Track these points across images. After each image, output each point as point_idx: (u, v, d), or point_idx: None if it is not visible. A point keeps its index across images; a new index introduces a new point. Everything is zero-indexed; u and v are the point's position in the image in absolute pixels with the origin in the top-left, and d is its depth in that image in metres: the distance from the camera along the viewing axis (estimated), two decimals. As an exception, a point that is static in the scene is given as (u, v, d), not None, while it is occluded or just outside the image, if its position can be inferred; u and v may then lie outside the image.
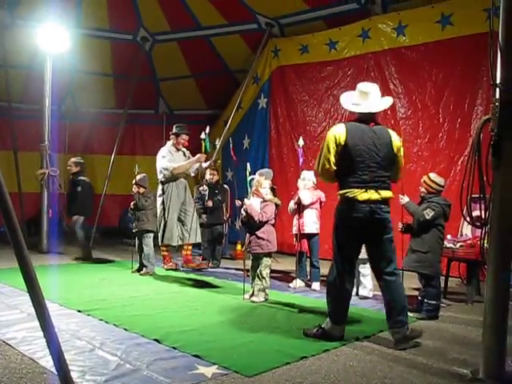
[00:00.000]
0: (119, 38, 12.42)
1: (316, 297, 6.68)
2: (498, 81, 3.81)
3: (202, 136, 8.32)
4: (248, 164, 6.65)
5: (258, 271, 6.31)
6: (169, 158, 8.38)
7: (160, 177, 8.41)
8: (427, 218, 5.74)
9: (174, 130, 8.65)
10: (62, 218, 11.49)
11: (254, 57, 11.56)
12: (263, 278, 6.31)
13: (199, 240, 8.64)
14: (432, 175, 6.10)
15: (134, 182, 8.34)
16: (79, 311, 5.56)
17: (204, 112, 13.90)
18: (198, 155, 8.36)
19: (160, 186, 8.43)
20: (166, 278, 7.79)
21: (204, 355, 4.16)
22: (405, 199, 6.08)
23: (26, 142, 12.06)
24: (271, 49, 11.26)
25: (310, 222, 7.20)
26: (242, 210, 6.37)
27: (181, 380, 3.63)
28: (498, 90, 3.79)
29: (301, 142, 7.48)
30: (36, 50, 10.24)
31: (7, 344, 4.39)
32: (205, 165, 8.64)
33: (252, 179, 6.56)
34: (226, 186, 10.72)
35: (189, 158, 8.60)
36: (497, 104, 3.77)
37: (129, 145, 13.93)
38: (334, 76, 10.12)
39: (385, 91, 9.19)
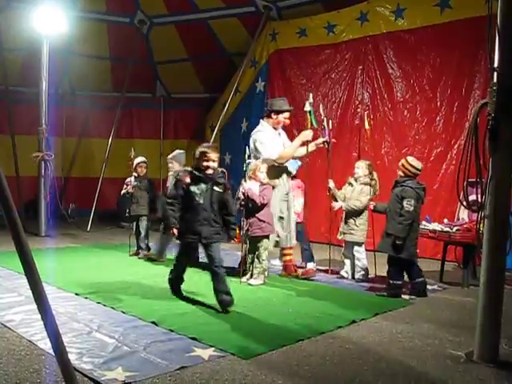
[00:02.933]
0: (116, 21, 12.35)
1: (313, 280, 6.72)
2: (495, 65, 3.81)
3: (307, 108, 6.66)
4: (247, 147, 6.64)
5: (256, 254, 6.34)
6: (269, 143, 6.56)
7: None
8: (411, 209, 5.67)
9: (273, 106, 6.76)
10: (60, 203, 11.51)
11: (251, 40, 11.49)
12: (263, 260, 6.35)
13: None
14: (410, 159, 6.03)
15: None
16: (77, 294, 5.59)
17: (202, 95, 13.88)
18: (304, 133, 6.59)
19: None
20: (163, 262, 7.81)
21: (201, 338, 4.18)
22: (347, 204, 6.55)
23: (23, 125, 12.04)
24: (269, 32, 11.20)
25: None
26: (240, 193, 6.36)
27: (178, 362, 3.66)
28: (495, 73, 3.79)
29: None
30: (33, 33, 10.16)
31: (5, 326, 4.42)
32: (313, 144, 6.73)
33: (248, 163, 6.55)
34: (223, 169, 10.73)
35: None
36: (494, 88, 3.76)
37: (126, 128, 13.92)
38: (332, 59, 10.08)
39: (382, 75, 9.21)
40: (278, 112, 6.60)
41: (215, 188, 5.20)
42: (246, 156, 6.51)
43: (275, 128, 6.70)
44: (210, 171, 5.19)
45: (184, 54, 13.02)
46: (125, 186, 8.33)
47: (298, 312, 5.13)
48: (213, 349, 3.97)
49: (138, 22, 12.43)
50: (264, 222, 6.34)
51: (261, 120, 6.89)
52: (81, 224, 11.52)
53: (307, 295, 5.85)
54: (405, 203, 5.67)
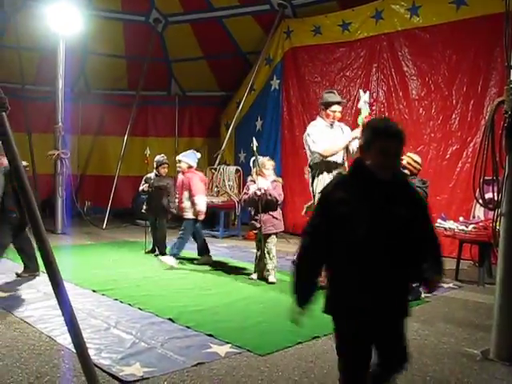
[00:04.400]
0: (132, 20, 12.40)
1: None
2: (512, 62, 3.80)
3: (362, 103, 6.19)
4: (254, 139, 6.63)
5: (268, 250, 6.37)
6: (318, 137, 6.20)
7: (310, 162, 6.40)
8: None
9: (322, 99, 6.44)
10: (76, 200, 11.61)
11: (266, 38, 11.49)
12: (273, 256, 6.39)
13: None
14: (414, 156, 5.82)
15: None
16: (94, 291, 5.65)
17: (216, 93, 13.89)
18: (354, 131, 6.18)
19: (310, 174, 6.44)
20: (178, 259, 7.84)
21: (217, 334, 4.23)
22: None
23: (39, 123, 12.14)
24: (284, 30, 11.19)
25: None
26: (256, 190, 6.33)
27: (195, 358, 3.70)
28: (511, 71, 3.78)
29: None
30: (48, 32, 10.24)
31: (25, 322, 4.49)
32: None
33: (254, 160, 6.58)
34: (238, 167, 10.79)
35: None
36: (511, 86, 3.76)
37: (141, 126, 13.95)
38: (347, 57, 10.06)
39: (397, 73, 9.18)
40: (326, 105, 6.31)
41: None
42: (255, 147, 6.51)
43: (330, 122, 6.33)
44: None
45: (199, 52, 13.04)
46: (143, 183, 8.32)
47: (312, 309, 5.13)
48: (229, 345, 4.01)
49: (153, 21, 12.47)
50: (277, 218, 6.42)
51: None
52: (96, 222, 11.60)
53: (322, 292, 5.85)
54: None
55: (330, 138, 6.20)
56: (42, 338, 4.10)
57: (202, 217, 7.28)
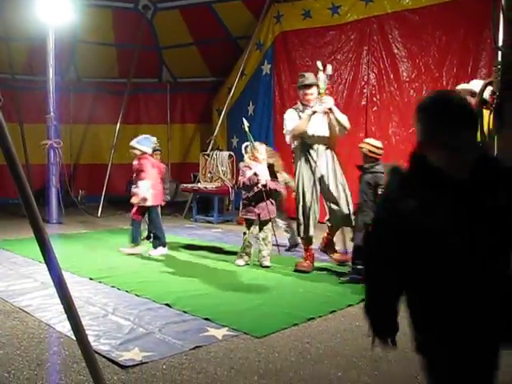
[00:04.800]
0: (120, 7, 12.33)
1: (320, 259, 6.79)
2: (499, 43, 3.85)
3: (322, 76, 5.99)
4: (244, 119, 6.65)
5: (264, 236, 6.43)
6: (287, 120, 6.21)
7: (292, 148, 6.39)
8: None
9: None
10: (69, 190, 11.63)
11: (256, 23, 11.46)
12: (269, 242, 6.45)
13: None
14: (373, 141, 5.62)
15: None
16: (91, 279, 5.69)
17: (208, 79, 13.87)
18: (317, 105, 6.02)
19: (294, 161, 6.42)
20: (174, 245, 7.89)
21: (214, 318, 4.29)
22: None
23: (30, 113, 12.12)
24: (274, 14, 11.17)
25: None
26: (261, 183, 6.27)
27: (193, 342, 3.77)
28: (499, 52, 3.83)
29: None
30: (37, 22, 10.19)
31: (24, 311, 4.54)
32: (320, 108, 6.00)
33: (247, 146, 6.62)
34: (231, 152, 10.82)
35: None
36: (499, 67, 3.81)
37: (133, 114, 13.95)
38: (337, 41, 10.06)
39: (388, 55, 9.20)
40: (298, 88, 6.27)
41: None
42: (246, 127, 6.52)
43: (305, 104, 6.15)
44: None
45: (189, 38, 12.99)
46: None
47: (308, 292, 5.22)
48: (226, 328, 4.07)
49: (142, 8, 12.41)
50: (272, 204, 6.47)
51: None
52: (91, 210, 11.62)
53: (317, 275, 5.93)
54: (380, 191, 5.20)
55: (316, 121, 6.05)
56: (40, 326, 4.16)
57: (134, 200, 7.10)
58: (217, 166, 10.70)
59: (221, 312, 4.49)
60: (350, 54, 9.85)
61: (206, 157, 11.01)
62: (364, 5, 9.58)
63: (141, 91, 13.83)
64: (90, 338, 3.66)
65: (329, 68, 6.03)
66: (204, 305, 4.71)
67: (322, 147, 6.07)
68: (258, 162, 6.41)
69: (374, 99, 9.40)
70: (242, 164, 6.71)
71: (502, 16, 3.82)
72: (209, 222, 10.39)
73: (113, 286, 5.38)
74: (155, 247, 7.14)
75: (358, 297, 4.94)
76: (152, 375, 3.25)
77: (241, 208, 6.73)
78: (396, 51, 9.14)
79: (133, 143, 7.27)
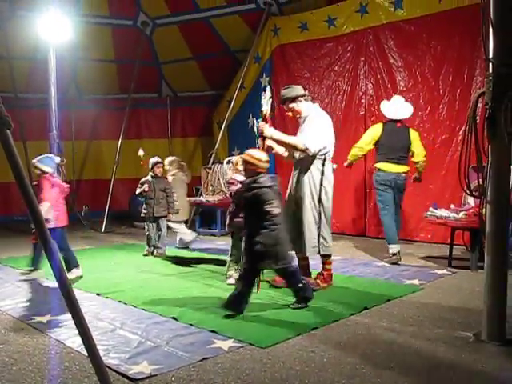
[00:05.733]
0: (120, 24, 12.52)
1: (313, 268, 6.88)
2: (490, 55, 3.95)
3: (265, 99, 5.86)
4: (268, 88, 6.36)
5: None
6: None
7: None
8: (276, 211, 4.80)
9: None
10: (73, 205, 11.72)
11: (254, 36, 11.62)
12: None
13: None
14: (253, 152, 5.16)
15: (155, 163, 8.32)
16: (98, 294, 5.78)
17: (207, 93, 14.04)
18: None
19: None
20: (177, 259, 7.99)
21: (220, 330, 4.38)
22: None
23: (33, 131, 12.26)
24: (271, 28, 11.33)
25: None
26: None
27: (200, 354, 3.85)
28: (490, 64, 3.94)
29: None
30: (38, 40, 10.33)
31: (33, 327, 4.63)
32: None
33: (229, 161, 6.60)
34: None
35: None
36: (490, 78, 3.92)
37: (134, 129, 14.10)
38: (335, 52, 10.21)
39: (384, 65, 9.34)
40: None
41: None
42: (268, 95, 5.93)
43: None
44: None
45: (188, 53, 13.17)
46: (139, 186, 8.37)
47: (310, 302, 5.31)
48: (232, 340, 4.16)
49: (140, 24, 12.59)
50: None
51: None
52: (94, 226, 11.74)
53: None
54: (267, 208, 4.73)
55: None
56: (51, 342, 4.25)
57: (48, 225, 6.13)
58: (218, 179, 10.80)
59: (226, 324, 4.58)
60: (348, 65, 10.00)
61: (208, 170, 11.12)
62: (360, 16, 9.74)
63: (141, 106, 14.00)
64: (100, 353, 3.78)
65: (267, 91, 5.93)
66: (209, 317, 4.80)
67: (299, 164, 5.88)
68: (240, 173, 6.22)
69: (372, 109, 9.53)
70: (228, 178, 6.66)
71: (491, 28, 3.93)
72: (212, 234, 10.49)
73: (120, 301, 5.46)
74: (69, 270, 6.49)
75: (361, 306, 5.05)
76: (161, 387, 3.34)
77: (228, 222, 6.27)
78: (392, 61, 9.28)
79: (34, 162, 6.74)
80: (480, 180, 4.17)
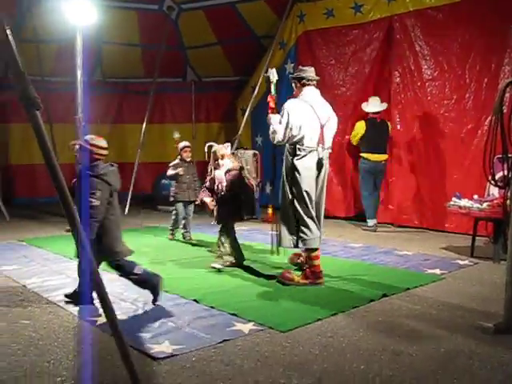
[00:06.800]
0: (145, 8, 12.52)
1: (334, 255, 6.90)
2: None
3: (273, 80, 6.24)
4: (274, 70, 6.41)
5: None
6: None
7: None
8: (97, 203, 4.58)
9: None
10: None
11: (279, 22, 11.58)
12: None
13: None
14: (90, 137, 5.00)
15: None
16: (121, 275, 5.85)
17: (232, 79, 14.02)
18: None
19: None
20: (201, 242, 8.05)
21: (240, 313, 4.44)
22: None
23: (59, 114, 12.39)
24: (296, 14, 11.25)
25: None
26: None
27: (220, 336, 3.92)
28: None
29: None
30: (65, 24, 10.40)
31: (58, 305, 4.74)
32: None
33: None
34: (255, 151, 10.95)
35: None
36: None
37: (159, 113, 14.16)
38: (360, 39, 10.12)
39: (411, 53, 9.23)
40: None
41: None
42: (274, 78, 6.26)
43: None
44: None
45: (213, 38, 13.15)
46: (171, 168, 8.27)
47: (330, 287, 5.34)
48: (252, 323, 4.21)
49: (166, 9, 12.59)
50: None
51: None
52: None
53: (339, 271, 6.03)
54: (89, 198, 4.52)
55: None
56: (74, 319, 4.35)
57: None
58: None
59: (247, 307, 4.63)
60: (373, 52, 9.89)
61: (231, 156, 11.17)
62: (386, 3, 9.62)
63: (166, 91, 14.00)
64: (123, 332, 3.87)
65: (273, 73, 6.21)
66: (231, 300, 4.86)
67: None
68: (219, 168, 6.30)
69: (398, 97, 9.44)
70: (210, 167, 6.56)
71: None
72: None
73: (142, 283, 5.54)
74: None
75: (381, 293, 5.06)
76: (182, 367, 3.40)
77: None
78: (418, 49, 9.15)
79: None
80: (505, 171, 4.14)
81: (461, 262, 6.54)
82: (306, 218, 5.46)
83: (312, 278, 5.47)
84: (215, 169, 6.32)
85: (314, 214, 5.51)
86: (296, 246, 5.58)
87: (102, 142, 4.80)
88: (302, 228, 5.47)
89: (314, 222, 5.51)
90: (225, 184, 6.17)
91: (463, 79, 8.62)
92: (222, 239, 6.43)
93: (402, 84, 9.41)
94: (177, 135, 8.55)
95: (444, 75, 8.87)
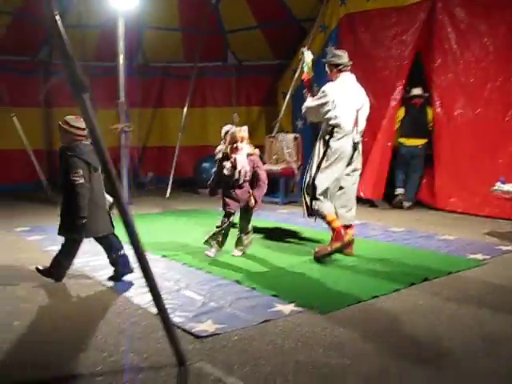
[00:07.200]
0: (186, -7, 12.59)
1: (375, 239, 6.88)
2: None
3: (307, 61, 6.50)
4: (308, 50, 6.58)
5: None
6: None
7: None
8: (81, 181, 4.72)
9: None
10: (139, 171, 12.05)
11: (320, 5, 11.49)
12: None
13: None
14: (69, 118, 4.94)
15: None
16: (164, 256, 5.98)
17: (272, 62, 13.99)
18: None
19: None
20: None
21: (281, 295, 4.49)
22: None
23: (101, 98, 12.57)
24: (338, -4, 11.16)
25: None
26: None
27: (261, 316, 3.98)
28: None
29: None
30: (107, 9, 10.52)
31: (103, 285, 4.87)
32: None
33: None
34: (296, 134, 10.97)
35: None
36: None
37: (199, 97, 14.24)
38: (403, 22, 9.94)
39: (454, 35, 9.05)
40: None
41: None
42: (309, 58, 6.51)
43: None
44: None
45: (253, 21, 13.14)
46: (217, 152, 8.26)
47: (371, 270, 5.35)
48: (293, 305, 4.26)
49: (207, -7, 12.63)
50: None
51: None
52: (159, 191, 12.05)
53: (380, 254, 6.02)
54: (72, 177, 4.68)
55: None
56: (120, 298, 4.47)
57: None
58: (282, 148, 10.87)
59: (287, 289, 4.69)
60: (416, 34, 9.72)
61: (272, 139, 11.20)
62: (430, -16, 9.44)
63: (206, 75, 14.07)
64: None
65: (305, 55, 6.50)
66: (271, 282, 4.91)
67: None
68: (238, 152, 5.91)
69: (440, 80, 9.29)
70: (218, 148, 6.52)
71: None
72: (275, 202, 10.60)
73: (184, 263, 5.65)
74: None
75: (421, 277, 5.04)
76: (224, 346, 3.47)
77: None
78: (462, 30, 8.97)
79: None
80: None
81: (504, 248, 6.44)
82: (320, 194, 5.82)
83: (340, 239, 5.72)
84: (232, 152, 5.87)
85: (329, 195, 5.88)
86: (310, 215, 6.03)
87: (82, 124, 4.75)
88: (319, 204, 5.85)
89: (327, 199, 5.89)
90: (248, 169, 5.84)
91: (508, 61, 8.43)
92: (249, 227, 6.14)
93: (444, 66, 9.26)
94: (237, 119, 8.58)
95: (488, 57, 8.69)
